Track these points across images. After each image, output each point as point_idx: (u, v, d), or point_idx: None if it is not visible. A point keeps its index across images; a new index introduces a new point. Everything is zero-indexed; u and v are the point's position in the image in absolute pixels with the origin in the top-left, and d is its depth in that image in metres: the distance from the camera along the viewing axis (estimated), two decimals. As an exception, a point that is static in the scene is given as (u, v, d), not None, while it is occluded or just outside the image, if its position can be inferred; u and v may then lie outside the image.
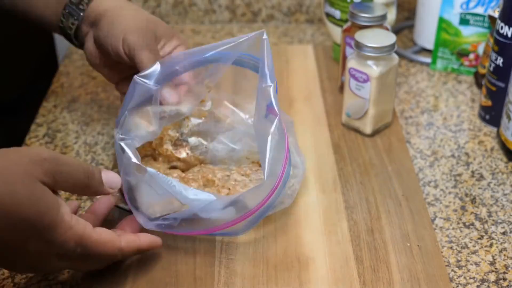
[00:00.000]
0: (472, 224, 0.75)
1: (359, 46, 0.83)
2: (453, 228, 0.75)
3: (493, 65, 0.88)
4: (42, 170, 0.57)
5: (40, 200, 0.56)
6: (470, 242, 0.73)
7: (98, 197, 0.71)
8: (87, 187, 0.62)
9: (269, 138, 0.68)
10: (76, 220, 0.59)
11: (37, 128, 0.91)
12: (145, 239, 0.66)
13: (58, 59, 1.21)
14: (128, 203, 0.68)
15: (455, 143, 0.88)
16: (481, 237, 0.73)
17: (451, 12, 0.99)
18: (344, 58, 0.92)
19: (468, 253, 0.71)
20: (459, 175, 0.82)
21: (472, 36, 1.00)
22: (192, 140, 0.78)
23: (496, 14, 0.91)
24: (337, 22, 1.00)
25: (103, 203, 0.69)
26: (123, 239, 0.63)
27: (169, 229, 0.68)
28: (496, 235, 0.74)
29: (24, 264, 0.59)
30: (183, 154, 0.77)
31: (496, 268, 0.70)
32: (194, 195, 0.67)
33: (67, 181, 0.60)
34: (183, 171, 0.77)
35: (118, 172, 0.68)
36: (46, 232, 0.56)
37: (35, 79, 1.00)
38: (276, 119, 0.69)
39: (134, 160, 0.67)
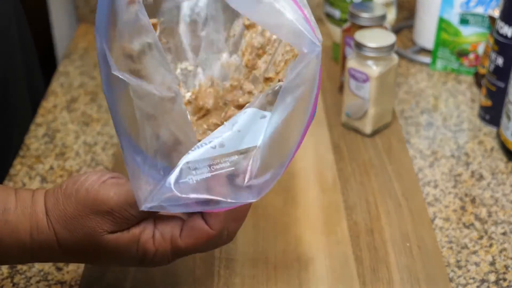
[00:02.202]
0: (472, 224, 0.75)
1: (358, 46, 0.83)
2: (453, 228, 0.75)
3: (493, 65, 0.88)
4: (110, 221, 0.52)
5: (115, 250, 0.53)
6: (470, 242, 0.73)
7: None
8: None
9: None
10: (162, 239, 0.53)
11: (36, 128, 0.91)
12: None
13: (58, 59, 1.21)
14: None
15: (455, 143, 0.88)
16: (481, 237, 0.73)
17: (451, 12, 0.99)
18: (344, 58, 0.92)
19: (468, 253, 0.71)
20: (459, 175, 0.82)
21: (472, 36, 1.00)
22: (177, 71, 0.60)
23: (496, 14, 0.91)
24: (337, 22, 1.00)
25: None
26: (214, 224, 0.53)
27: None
28: (496, 235, 0.74)
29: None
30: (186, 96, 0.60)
31: (496, 269, 0.70)
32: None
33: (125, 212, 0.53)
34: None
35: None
36: (137, 263, 0.55)
37: (34, 79, 1.00)
38: None
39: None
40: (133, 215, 0.52)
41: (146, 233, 0.53)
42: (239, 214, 0.54)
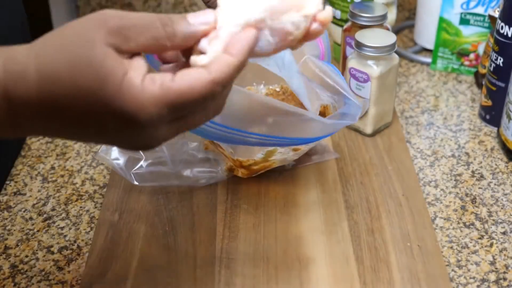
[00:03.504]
0: (473, 224, 0.75)
1: (359, 46, 0.83)
2: (453, 228, 0.75)
3: (493, 65, 0.88)
4: (106, 29, 0.47)
5: (100, 66, 0.46)
6: (471, 242, 0.73)
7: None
8: (169, 36, 0.49)
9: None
10: (151, 80, 0.47)
11: (37, 128, 0.91)
12: (238, 41, 0.49)
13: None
14: None
15: (456, 143, 0.88)
16: (481, 237, 0.73)
17: (451, 12, 0.99)
18: (344, 58, 0.92)
19: (468, 253, 0.71)
20: (459, 175, 0.82)
21: (472, 36, 1.00)
22: None
23: (496, 14, 0.91)
24: (338, 22, 1.00)
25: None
26: (212, 68, 0.48)
27: None
28: (496, 235, 0.74)
29: (125, 143, 0.51)
30: None
31: (496, 268, 0.70)
32: None
33: (141, 33, 0.48)
34: None
35: None
36: (112, 101, 0.47)
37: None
38: None
39: None
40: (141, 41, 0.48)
41: (137, 67, 0.48)
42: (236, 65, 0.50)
